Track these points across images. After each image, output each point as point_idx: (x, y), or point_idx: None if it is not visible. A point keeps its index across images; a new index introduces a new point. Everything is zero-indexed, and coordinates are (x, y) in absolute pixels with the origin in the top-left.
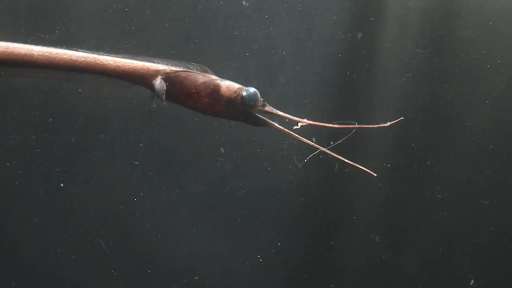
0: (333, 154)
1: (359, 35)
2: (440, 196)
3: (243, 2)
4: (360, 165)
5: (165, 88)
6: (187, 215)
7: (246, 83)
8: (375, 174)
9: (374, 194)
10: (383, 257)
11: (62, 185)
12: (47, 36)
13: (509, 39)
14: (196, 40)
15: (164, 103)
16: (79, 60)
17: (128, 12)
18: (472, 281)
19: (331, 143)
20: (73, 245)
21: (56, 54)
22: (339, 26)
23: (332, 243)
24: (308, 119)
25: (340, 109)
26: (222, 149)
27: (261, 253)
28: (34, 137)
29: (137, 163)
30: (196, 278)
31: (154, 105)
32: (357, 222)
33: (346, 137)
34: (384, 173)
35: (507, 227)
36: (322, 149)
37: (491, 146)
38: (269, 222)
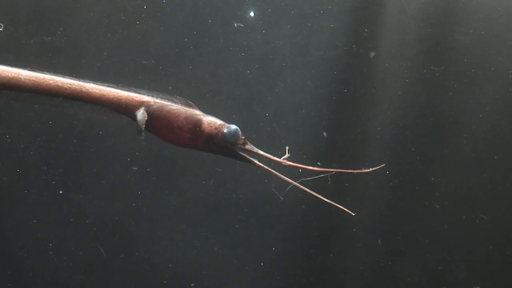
0: (313, 193)
1: (372, 54)
2: (438, 206)
3: (235, 24)
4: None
5: (146, 119)
6: (185, 222)
7: (244, 90)
8: (353, 214)
9: (373, 201)
10: (383, 264)
11: (61, 191)
12: (49, 38)
13: (508, 45)
14: (193, 47)
15: (143, 136)
16: (65, 86)
17: (128, 20)
18: None
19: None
20: (72, 251)
21: (43, 79)
22: (338, 34)
23: (332, 249)
24: (288, 160)
25: (339, 116)
26: None
27: (261, 260)
28: (34, 142)
29: (135, 168)
30: (192, 285)
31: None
32: (357, 229)
33: (326, 174)
34: (383, 179)
35: (507, 233)
36: (304, 189)
37: (491, 152)
38: (269, 229)
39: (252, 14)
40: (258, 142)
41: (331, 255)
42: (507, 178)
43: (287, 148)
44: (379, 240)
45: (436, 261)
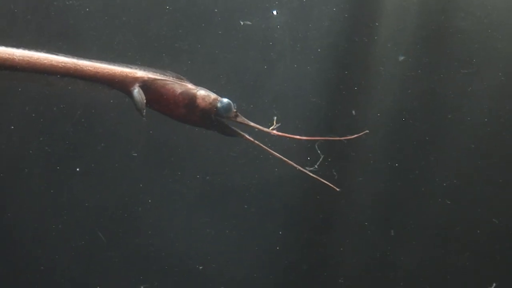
0: (300, 168)
1: (401, 58)
2: (447, 201)
3: (241, 22)
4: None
5: (145, 100)
6: (191, 206)
7: (243, 76)
8: (338, 189)
9: (373, 189)
10: (386, 252)
11: (60, 176)
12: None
13: (509, 30)
14: (192, 33)
15: (144, 117)
16: (59, 65)
17: (129, 4)
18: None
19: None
20: (74, 237)
21: (37, 58)
22: (338, 20)
23: (332, 235)
24: (278, 130)
25: (338, 102)
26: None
27: (266, 244)
28: (33, 127)
29: (135, 154)
30: (201, 268)
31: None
32: (356, 214)
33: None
34: (382, 167)
35: (508, 222)
36: (290, 163)
37: (492, 139)
38: (269, 215)
39: (275, 12)
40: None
41: (332, 241)
42: (508, 165)
43: (275, 118)
44: (392, 231)
45: (435, 249)
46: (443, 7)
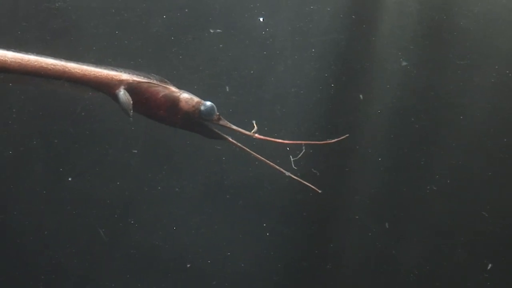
0: (283, 171)
1: (403, 63)
2: (435, 188)
3: (217, 30)
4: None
5: (131, 102)
6: (186, 205)
7: (243, 73)
8: (319, 191)
9: (372, 183)
10: (382, 248)
11: (59, 174)
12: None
13: (509, 28)
14: (192, 30)
15: (131, 118)
16: (49, 67)
17: (127, 3)
18: (490, 265)
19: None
20: (72, 235)
21: (28, 61)
22: (338, 16)
23: (332, 232)
24: (260, 134)
25: (338, 99)
26: None
27: (260, 242)
28: (32, 125)
29: (135, 151)
30: (189, 265)
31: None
32: (355, 210)
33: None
34: (381, 163)
35: (507, 217)
36: (275, 166)
37: (491, 136)
38: (269, 211)
39: (261, 19)
40: (258, 125)
41: (335, 238)
42: (507, 160)
43: (254, 121)
44: (387, 224)
45: (437, 245)
46: (444, 4)
